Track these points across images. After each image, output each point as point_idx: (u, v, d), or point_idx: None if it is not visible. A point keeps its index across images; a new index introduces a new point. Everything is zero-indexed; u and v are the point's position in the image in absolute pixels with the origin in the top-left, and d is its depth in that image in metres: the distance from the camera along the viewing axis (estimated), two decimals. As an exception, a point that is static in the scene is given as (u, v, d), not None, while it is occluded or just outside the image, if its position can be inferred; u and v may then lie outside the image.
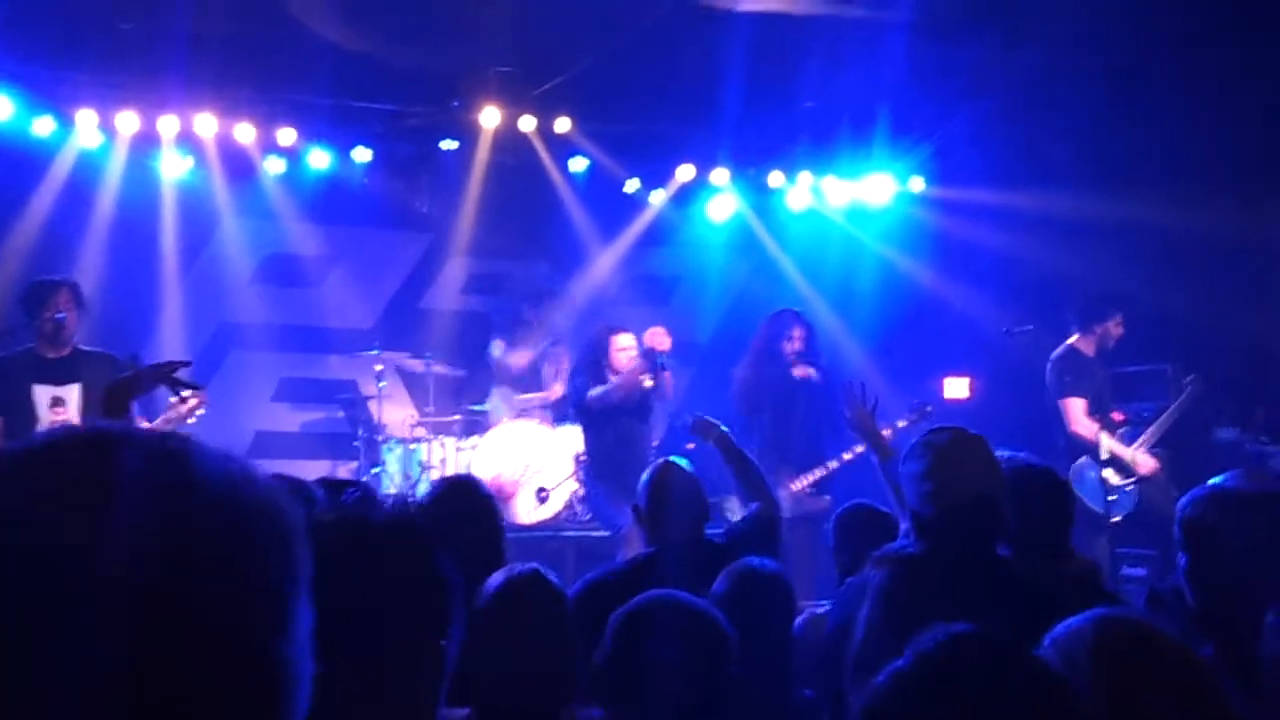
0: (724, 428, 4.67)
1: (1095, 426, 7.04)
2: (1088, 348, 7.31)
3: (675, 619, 2.59)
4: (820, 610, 3.91)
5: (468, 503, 3.54)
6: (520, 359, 8.94)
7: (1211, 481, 4.21)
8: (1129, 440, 7.24)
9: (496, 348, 8.98)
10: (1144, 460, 7.12)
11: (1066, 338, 7.41)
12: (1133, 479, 7.08)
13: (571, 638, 2.69)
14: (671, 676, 2.47)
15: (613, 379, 7.12)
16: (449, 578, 1.57)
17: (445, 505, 3.54)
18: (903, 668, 1.53)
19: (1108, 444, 6.93)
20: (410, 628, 1.51)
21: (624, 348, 7.20)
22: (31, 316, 6.15)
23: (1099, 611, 1.82)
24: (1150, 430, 7.23)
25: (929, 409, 7.00)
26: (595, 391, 7.13)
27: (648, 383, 7.09)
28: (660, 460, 4.21)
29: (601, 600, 3.65)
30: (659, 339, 7.06)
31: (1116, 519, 6.90)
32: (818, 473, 7.11)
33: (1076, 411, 7.16)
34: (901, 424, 6.78)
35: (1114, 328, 7.30)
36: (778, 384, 7.28)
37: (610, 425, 7.20)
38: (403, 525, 1.61)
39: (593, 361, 7.33)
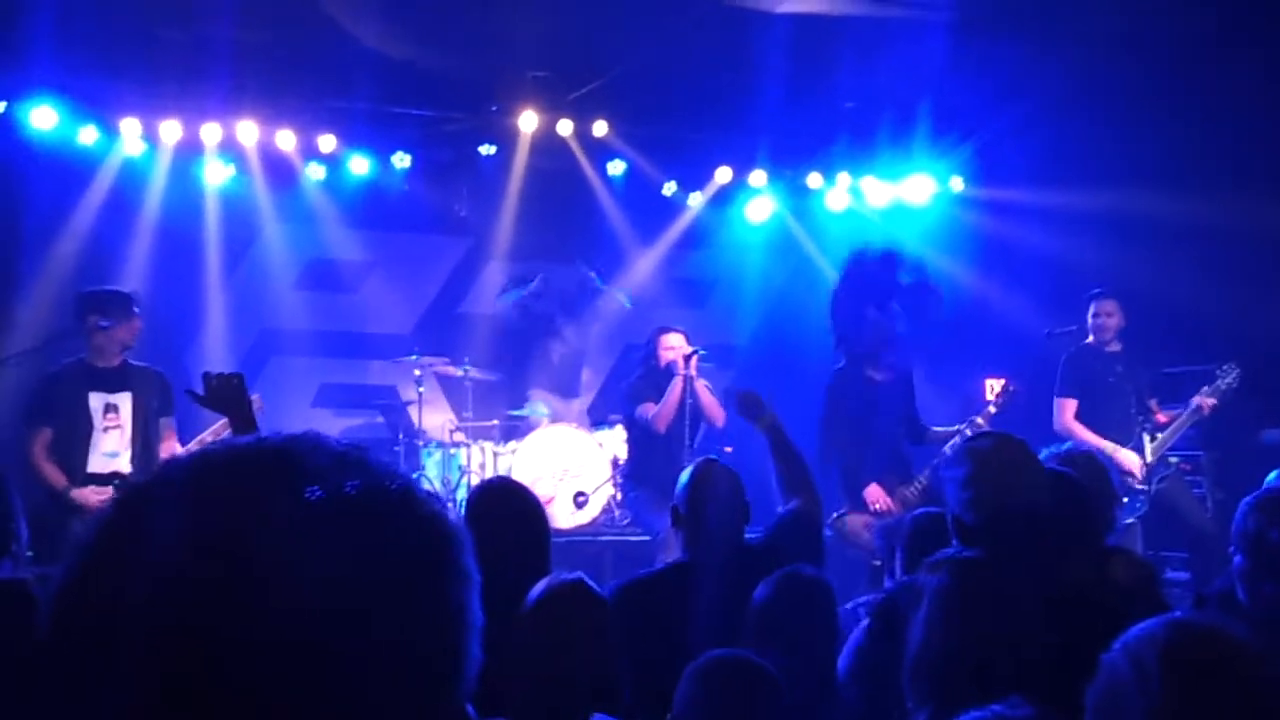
0: (773, 413, 4.35)
1: (1079, 428, 6.99)
2: (1094, 341, 7.26)
3: (752, 685, 2.62)
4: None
5: (509, 507, 3.51)
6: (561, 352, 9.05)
7: (1270, 480, 4.16)
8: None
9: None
10: (1126, 456, 6.96)
11: None
12: (1145, 486, 6.94)
13: (613, 647, 2.69)
14: None
15: (652, 409, 7.17)
16: None
17: (486, 510, 3.51)
18: None
19: (1097, 443, 6.81)
20: None
21: (671, 346, 7.32)
22: (80, 324, 6.24)
23: (1173, 615, 1.80)
24: (1170, 429, 7.08)
25: (1011, 388, 6.84)
26: (644, 413, 7.25)
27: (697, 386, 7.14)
28: (700, 460, 4.12)
29: (636, 605, 3.62)
30: (678, 351, 7.21)
31: (1130, 521, 6.80)
32: (919, 483, 6.85)
33: (1062, 412, 7.15)
34: (992, 410, 6.69)
35: (1094, 318, 7.21)
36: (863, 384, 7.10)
37: (652, 432, 7.25)
38: None
39: (642, 361, 7.54)
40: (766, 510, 4.15)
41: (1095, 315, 7.23)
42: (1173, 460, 7.15)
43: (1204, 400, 6.92)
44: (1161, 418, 7.12)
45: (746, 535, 3.98)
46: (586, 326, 9.27)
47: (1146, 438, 6.95)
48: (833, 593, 3.40)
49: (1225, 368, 6.96)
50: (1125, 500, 6.76)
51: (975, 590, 2.49)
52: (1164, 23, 7.25)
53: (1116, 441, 6.99)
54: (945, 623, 2.40)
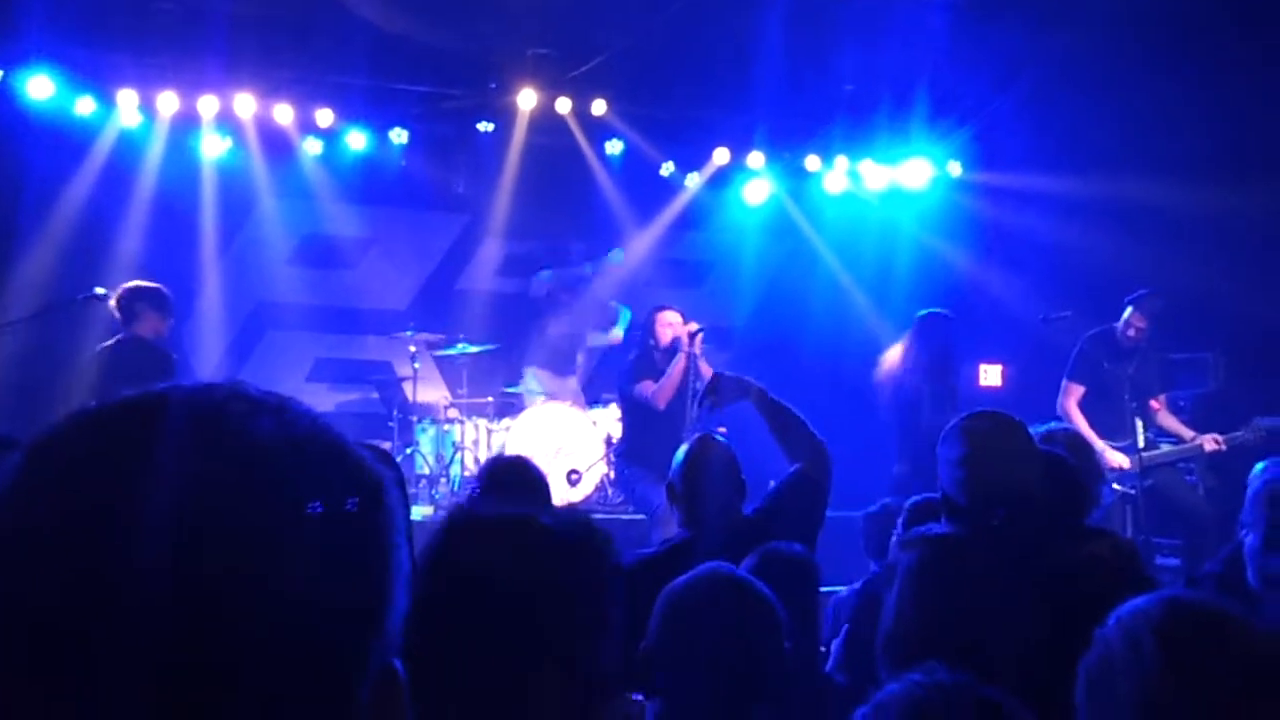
0: (758, 384, 4.28)
1: (1077, 416, 7.03)
2: (1119, 334, 7.25)
3: (722, 593, 2.55)
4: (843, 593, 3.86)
5: (521, 482, 3.60)
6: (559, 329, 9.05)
7: (1258, 469, 4.20)
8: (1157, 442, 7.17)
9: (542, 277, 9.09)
10: (1114, 456, 7.00)
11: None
12: (1121, 486, 6.96)
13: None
14: (723, 652, 2.43)
15: (651, 387, 7.18)
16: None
17: (498, 484, 3.62)
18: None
19: (1088, 435, 6.84)
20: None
21: (669, 323, 7.33)
22: (164, 316, 6.80)
23: (1167, 591, 1.81)
24: (1167, 449, 7.13)
25: None
26: (642, 391, 7.24)
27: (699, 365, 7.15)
28: (696, 435, 4.09)
29: (637, 587, 3.62)
30: (678, 327, 7.22)
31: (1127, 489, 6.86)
32: None
33: (1066, 395, 7.20)
34: None
35: (1127, 321, 7.21)
36: (942, 396, 7.08)
37: (649, 410, 7.25)
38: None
39: (639, 340, 7.55)
40: (762, 489, 4.13)
41: (1130, 320, 7.19)
42: (1165, 447, 7.18)
43: (1213, 444, 6.97)
44: (1155, 404, 7.14)
45: (744, 507, 3.97)
46: (585, 308, 9.26)
47: (1140, 424, 6.96)
48: (814, 569, 3.40)
49: (1256, 425, 6.95)
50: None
51: (947, 567, 2.49)
52: (1164, 5, 7.24)
53: (1109, 434, 7.01)
54: (915, 599, 2.41)
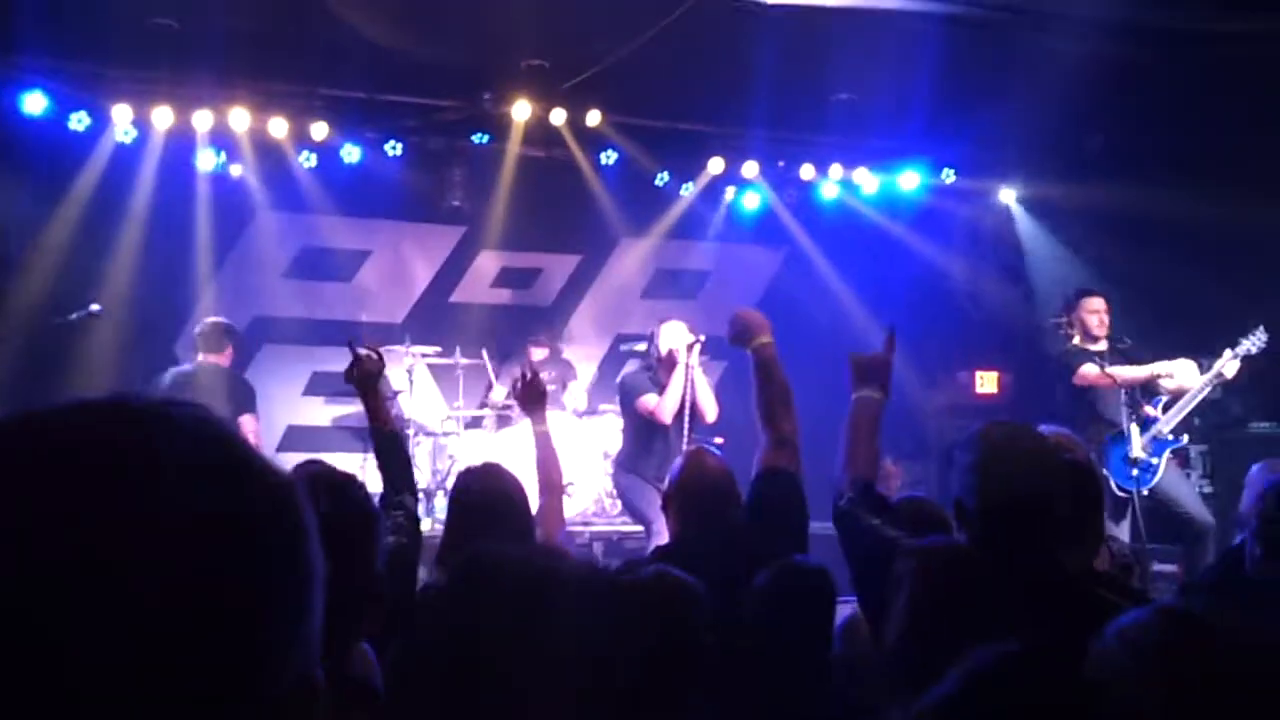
0: (770, 337, 4.13)
1: (1119, 371, 6.99)
2: (1082, 341, 7.26)
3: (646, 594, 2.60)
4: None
5: (493, 491, 3.61)
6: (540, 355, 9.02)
7: (1253, 470, 4.20)
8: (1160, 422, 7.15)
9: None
10: (1170, 381, 6.97)
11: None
12: (1159, 457, 6.94)
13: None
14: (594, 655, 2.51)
15: (654, 401, 7.15)
16: None
17: (471, 494, 3.64)
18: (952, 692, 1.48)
19: (1145, 374, 6.81)
20: None
21: (670, 336, 7.28)
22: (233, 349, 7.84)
23: (1162, 602, 1.82)
24: (1189, 394, 7.09)
25: None
26: (645, 405, 7.19)
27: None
28: (691, 448, 4.13)
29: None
30: (677, 340, 7.16)
31: (1145, 491, 6.79)
32: None
33: (1090, 374, 7.11)
34: None
35: (1086, 313, 7.24)
36: None
37: (650, 423, 7.23)
38: None
39: (644, 353, 7.57)
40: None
41: (1089, 311, 7.23)
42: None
43: (1233, 366, 6.91)
44: (1153, 414, 7.12)
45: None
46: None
47: (1135, 428, 6.95)
48: (829, 584, 3.36)
49: (1256, 333, 6.91)
50: (1135, 473, 6.75)
51: (943, 579, 2.49)
52: (1161, 15, 7.25)
53: (1098, 436, 6.99)
54: (914, 611, 2.41)
